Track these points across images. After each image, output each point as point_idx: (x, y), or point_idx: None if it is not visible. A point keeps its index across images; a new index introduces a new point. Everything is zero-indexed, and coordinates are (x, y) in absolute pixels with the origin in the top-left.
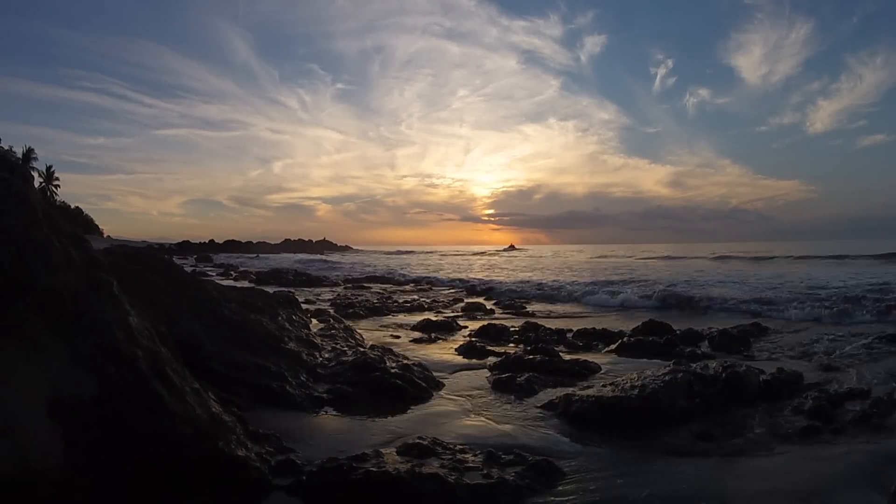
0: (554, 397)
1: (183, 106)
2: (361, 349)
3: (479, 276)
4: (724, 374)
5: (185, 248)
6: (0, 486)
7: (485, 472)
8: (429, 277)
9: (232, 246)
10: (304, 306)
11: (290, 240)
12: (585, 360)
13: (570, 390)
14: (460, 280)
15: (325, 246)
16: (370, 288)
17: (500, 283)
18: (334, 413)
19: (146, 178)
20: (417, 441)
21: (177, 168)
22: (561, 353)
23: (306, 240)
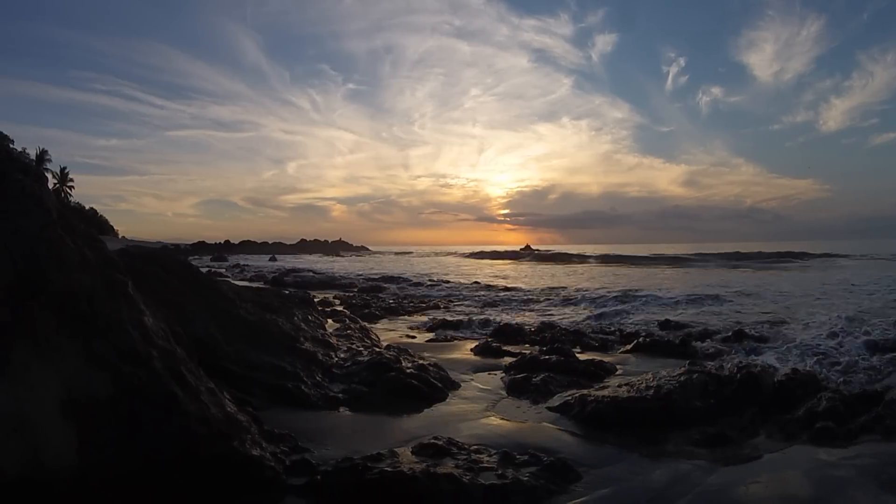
0: (569, 398)
1: (195, 107)
2: (377, 349)
3: None
4: (738, 375)
5: (200, 248)
6: (14, 485)
7: (500, 472)
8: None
9: (247, 246)
10: (319, 307)
11: (305, 240)
12: (601, 361)
13: (585, 391)
14: None
15: (340, 246)
16: (387, 288)
17: None
18: (349, 413)
19: (160, 179)
20: (432, 441)
21: (190, 169)
22: (576, 354)
23: (322, 240)
